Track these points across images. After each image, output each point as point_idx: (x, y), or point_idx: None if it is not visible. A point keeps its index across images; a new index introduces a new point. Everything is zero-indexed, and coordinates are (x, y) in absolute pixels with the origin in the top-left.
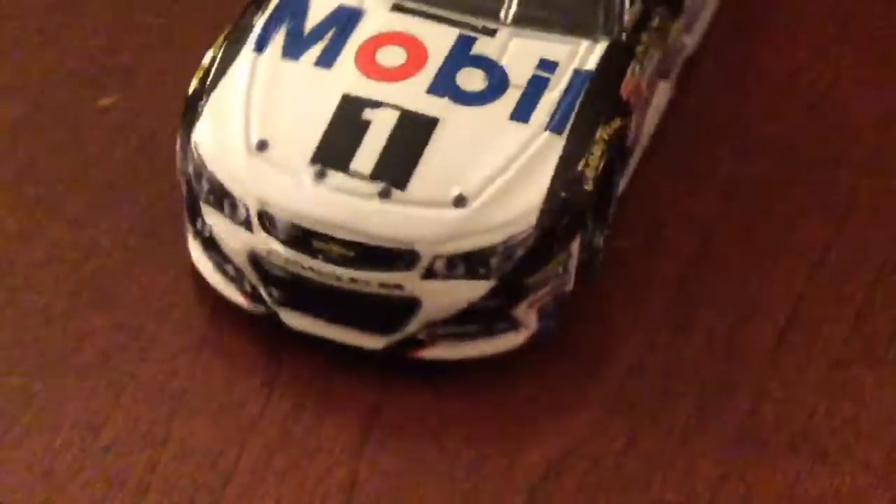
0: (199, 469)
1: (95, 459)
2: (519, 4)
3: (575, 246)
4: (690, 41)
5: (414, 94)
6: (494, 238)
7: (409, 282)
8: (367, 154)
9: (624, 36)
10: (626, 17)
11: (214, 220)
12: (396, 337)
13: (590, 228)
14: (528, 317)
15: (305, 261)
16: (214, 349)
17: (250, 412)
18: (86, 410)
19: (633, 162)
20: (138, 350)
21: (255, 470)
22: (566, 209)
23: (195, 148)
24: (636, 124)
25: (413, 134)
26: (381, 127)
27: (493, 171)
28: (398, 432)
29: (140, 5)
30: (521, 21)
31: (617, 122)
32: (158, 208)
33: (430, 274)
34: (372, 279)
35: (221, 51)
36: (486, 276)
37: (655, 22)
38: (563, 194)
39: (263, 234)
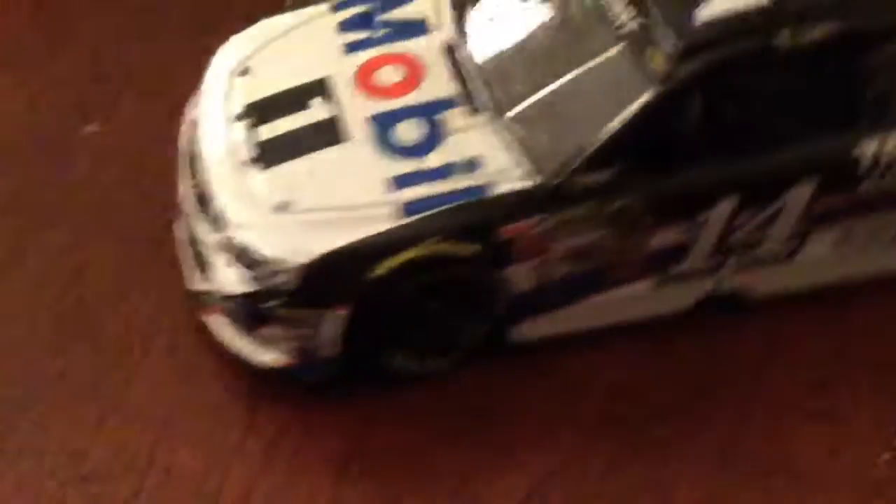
0: (182, 495)
1: (79, 487)
2: (527, 109)
3: (331, 317)
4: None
5: (357, 112)
6: (266, 252)
7: (212, 242)
8: (276, 128)
9: (557, 187)
10: (576, 175)
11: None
12: (203, 286)
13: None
14: (269, 343)
15: (188, 175)
16: (198, 376)
17: (234, 438)
18: (70, 438)
19: (542, 330)
20: (123, 377)
21: (239, 495)
22: (331, 277)
23: (216, 55)
24: (536, 279)
25: (319, 136)
26: (307, 116)
27: (329, 204)
28: (381, 457)
29: (125, 33)
30: (515, 121)
31: (469, 248)
32: (143, 235)
33: (223, 246)
34: (199, 221)
35: None
36: (247, 279)
37: (615, 206)
38: (341, 262)
39: (189, 137)
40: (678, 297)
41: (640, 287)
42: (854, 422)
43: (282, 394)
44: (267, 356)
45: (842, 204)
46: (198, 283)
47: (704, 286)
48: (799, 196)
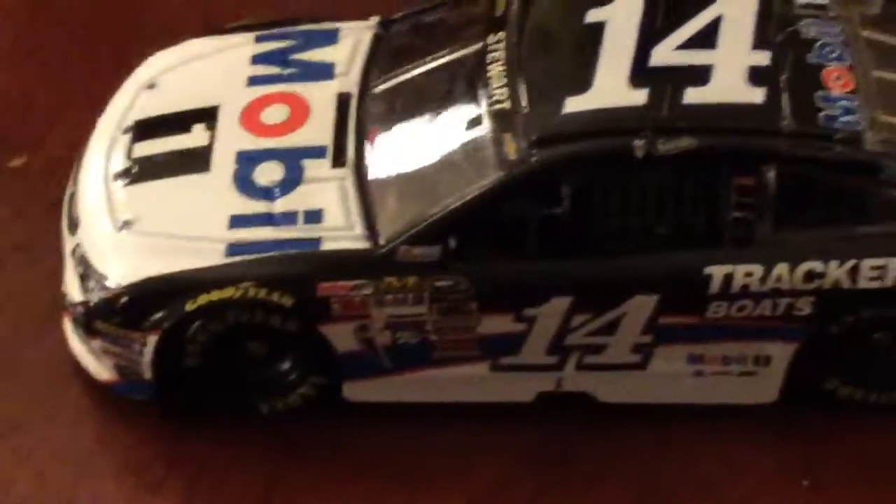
0: None
1: None
2: (386, 172)
3: (145, 341)
4: None
5: (229, 145)
6: (98, 266)
7: (67, 245)
8: (152, 146)
9: (383, 255)
10: (404, 246)
11: None
12: (62, 288)
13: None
14: (98, 358)
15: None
16: (120, 412)
17: (156, 474)
18: None
19: (375, 394)
20: (45, 412)
21: None
22: (148, 302)
23: (139, 67)
24: (358, 342)
25: (186, 163)
26: (184, 141)
27: (167, 231)
28: (302, 489)
29: (52, 65)
30: (372, 182)
31: (284, 298)
32: None
33: (73, 251)
34: (64, 222)
35: (261, 22)
36: (83, 290)
37: (438, 284)
38: (159, 290)
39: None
40: (517, 388)
41: (475, 370)
42: (775, 447)
43: (203, 427)
44: (97, 369)
45: (690, 323)
46: (63, 284)
47: (546, 382)
48: (640, 307)
